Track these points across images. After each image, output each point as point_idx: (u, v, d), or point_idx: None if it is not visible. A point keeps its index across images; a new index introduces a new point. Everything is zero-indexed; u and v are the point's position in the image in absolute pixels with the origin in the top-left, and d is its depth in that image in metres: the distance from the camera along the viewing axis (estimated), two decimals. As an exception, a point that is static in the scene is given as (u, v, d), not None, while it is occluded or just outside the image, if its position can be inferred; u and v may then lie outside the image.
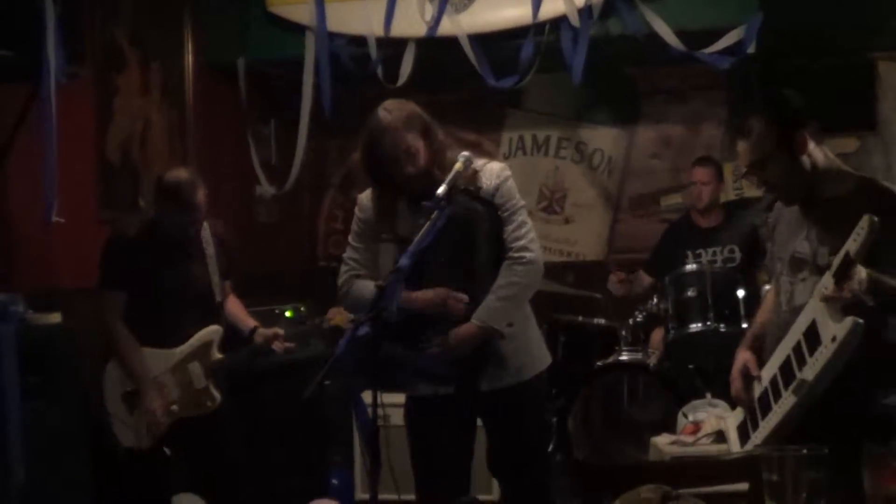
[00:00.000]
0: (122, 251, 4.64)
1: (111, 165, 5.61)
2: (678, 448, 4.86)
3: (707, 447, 4.83)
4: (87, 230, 5.16)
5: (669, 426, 5.18)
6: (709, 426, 4.88)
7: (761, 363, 3.52)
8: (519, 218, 3.84)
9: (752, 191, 7.18)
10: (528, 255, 3.82)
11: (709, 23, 5.89)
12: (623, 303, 6.08)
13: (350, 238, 4.03)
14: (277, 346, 4.84)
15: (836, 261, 3.08)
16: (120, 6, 5.66)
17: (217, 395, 4.72)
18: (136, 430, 4.57)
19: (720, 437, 4.82)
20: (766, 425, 3.32)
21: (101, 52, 5.53)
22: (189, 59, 6.39)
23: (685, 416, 5.08)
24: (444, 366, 3.80)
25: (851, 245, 3.03)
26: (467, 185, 3.72)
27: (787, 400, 3.21)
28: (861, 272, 2.98)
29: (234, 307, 4.99)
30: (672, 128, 7.63)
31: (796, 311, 3.33)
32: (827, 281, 3.12)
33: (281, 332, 4.88)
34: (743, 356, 3.60)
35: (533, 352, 3.99)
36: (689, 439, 4.89)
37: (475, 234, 3.79)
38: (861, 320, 3.00)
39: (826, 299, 3.11)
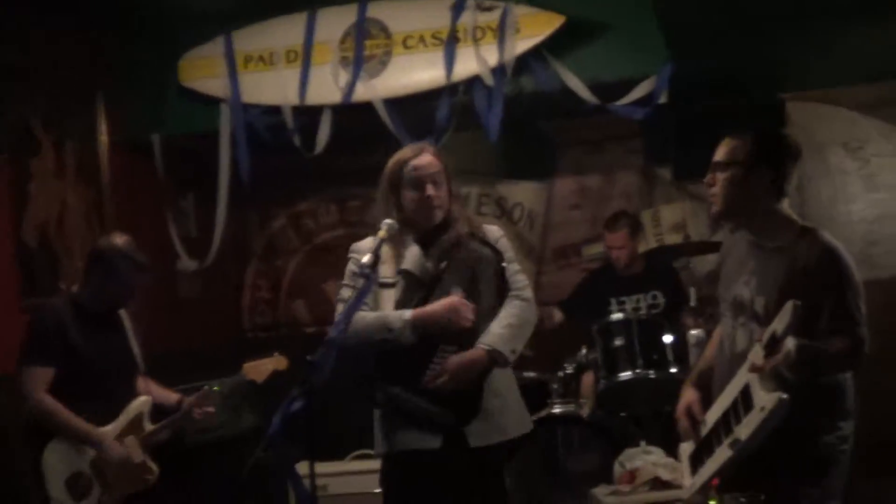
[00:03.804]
0: (50, 327, 4.51)
1: (29, 250, 5.52)
2: (616, 498, 4.89)
3: (644, 495, 4.87)
4: (8, 318, 5.07)
5: (607, 475, 5.20)
6: (645, 474, 4.93)
7: (708, 400, 3.56)
8: (516, 266, 4.03)
9: (672, 237, 7.26)
10: (526, 293, 3.98)
11: (621, 74, 5.97)
12: (552, 356, 6.08)
13: (345, 280, 3.97)
14: (197, 412, 4.71)
15: (765, 337, 3.21)
16: (32, 91, 5.61)
17: (155, 468, 4.65)
18: None
19: (656, 483, 4.88)
20: (705, 471, 3.38)
21: (15, 138, 5.47)
22: (103, 137, 6.34)
23: (622, 465, 5.12)
24: (440, 408, 3.76)
25: (777, 326, 3.17)
26: (478, 234, 3.97)
27: (723, 452, 3.28)
28: (789, 345, 3.07)
29: (151, 386, 4.86)
30: (590, 178, 7.72)
31: (737, 357, 3.42)
32: (758, 351, 3.22)
33: (206, 397, 4.75)
34: (687, 396, 3.64)
35: (517, 411, 4.00)
36: (626, 488, 4.93)
37: (482, 273, 3.90)
38: (786, 396, 3.08)
39: (753, 370, 3.21)
